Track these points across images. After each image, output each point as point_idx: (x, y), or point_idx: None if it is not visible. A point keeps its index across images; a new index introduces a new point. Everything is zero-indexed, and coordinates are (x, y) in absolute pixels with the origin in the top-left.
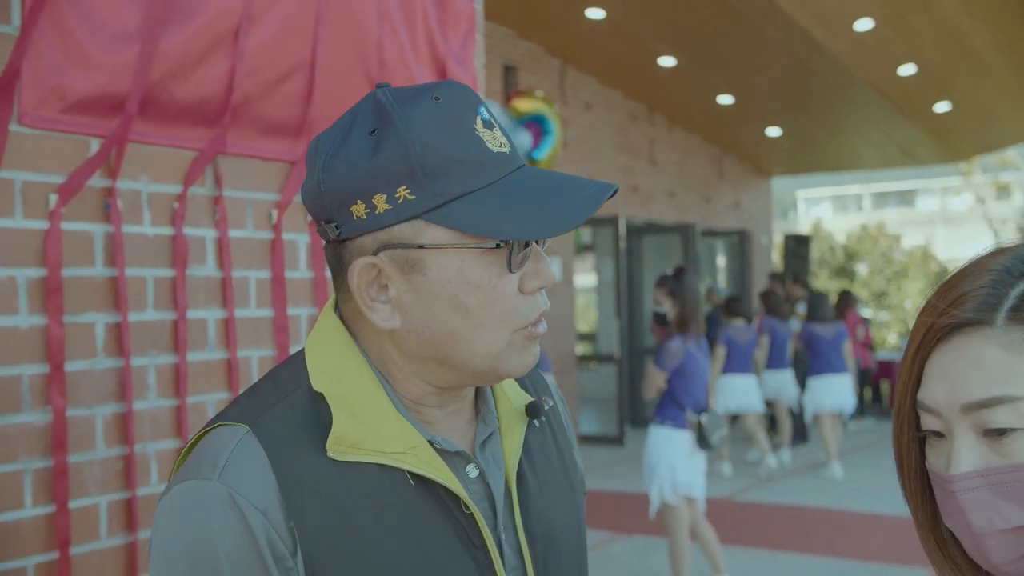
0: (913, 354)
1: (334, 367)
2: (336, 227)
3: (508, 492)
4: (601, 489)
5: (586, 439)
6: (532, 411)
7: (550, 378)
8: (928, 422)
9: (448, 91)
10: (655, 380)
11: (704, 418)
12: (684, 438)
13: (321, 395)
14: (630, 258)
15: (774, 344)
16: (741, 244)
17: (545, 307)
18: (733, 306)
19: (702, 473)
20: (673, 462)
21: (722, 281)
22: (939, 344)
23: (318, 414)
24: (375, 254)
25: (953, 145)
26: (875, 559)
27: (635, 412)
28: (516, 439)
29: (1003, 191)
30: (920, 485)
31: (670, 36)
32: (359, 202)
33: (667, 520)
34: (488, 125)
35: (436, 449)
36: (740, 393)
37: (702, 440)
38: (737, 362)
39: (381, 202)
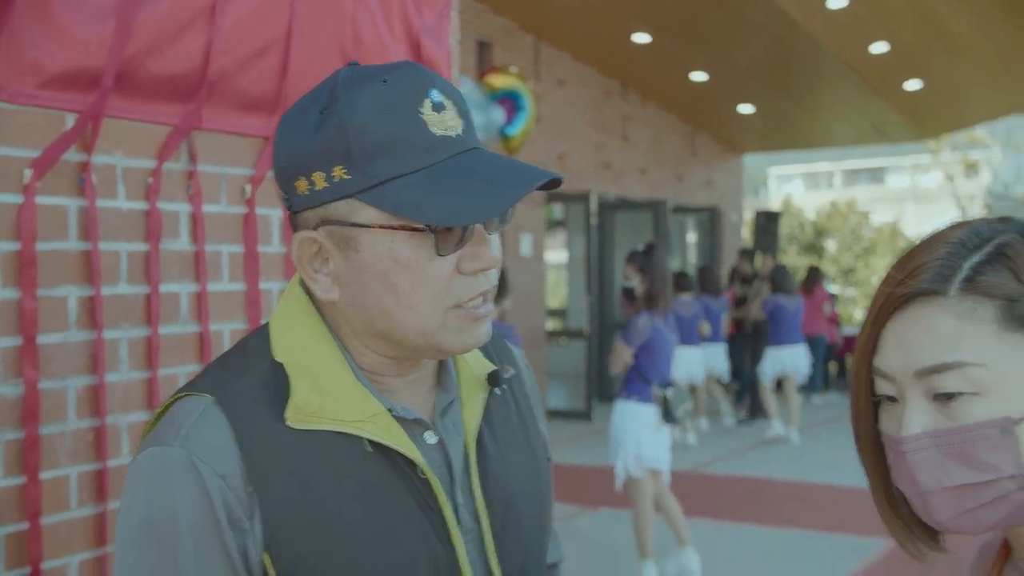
0: (871, 322)
1: (296, 337)
2: (287, 199)
3: (467, 458)
4: (568, 463)
5: (554, 414)
6: (493, 379)
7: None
8: (883, 387)
9: (399, 73)
10: (622, 355)
11: (670, 392)
12: (650, 412)
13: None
14: (601, 234)
15: (708, 320)
16: (712, 220)
17: (486, 288)
18: (679, 281)
19: (667, 447)
20: (639, 436)
21: (692, 257)
22: (896, 313)
23: (281, 384)
24: (315, 228)
25: (923, 123)
26: (836, 529)
27: (603, 387)
28: (476, 407)
29: (971, 169)
30: (875, 448)
31: (644, 13)
32: (301, 178)
33: (632, 493)
34: (438, 108)
35: (395, 417)
36: (686, 364)
37: (667, 414)
38: (683, 335)
39: (320, 180)
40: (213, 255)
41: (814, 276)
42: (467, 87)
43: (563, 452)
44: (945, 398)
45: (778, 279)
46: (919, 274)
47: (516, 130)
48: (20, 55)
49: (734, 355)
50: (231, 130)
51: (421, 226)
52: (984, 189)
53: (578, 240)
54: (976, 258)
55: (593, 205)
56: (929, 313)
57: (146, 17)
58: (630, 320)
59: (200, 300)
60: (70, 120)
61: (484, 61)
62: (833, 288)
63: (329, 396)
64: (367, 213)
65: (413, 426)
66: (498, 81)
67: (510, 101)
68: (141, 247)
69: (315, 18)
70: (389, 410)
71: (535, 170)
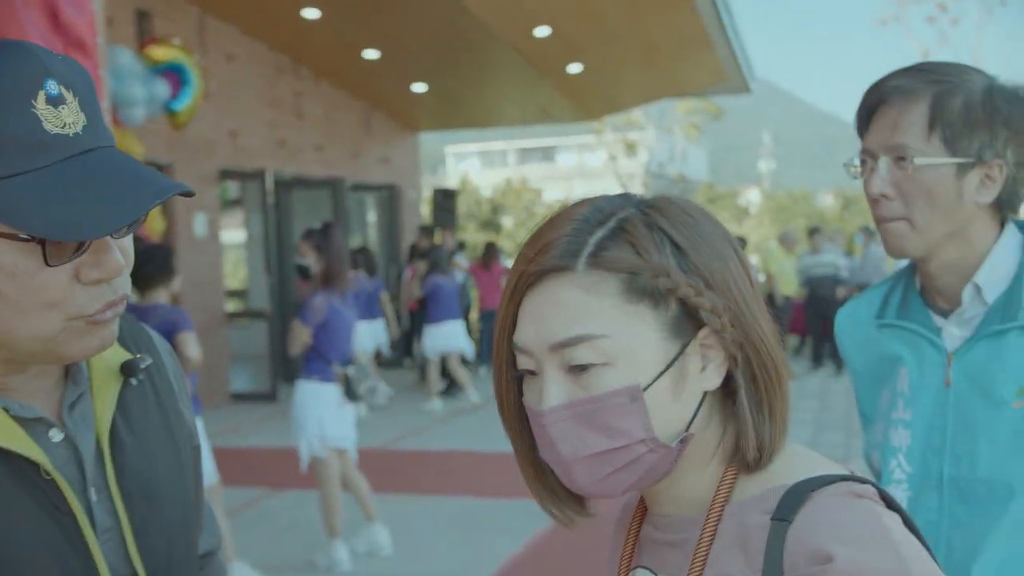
0: (508, 299)
1: None
2: None
3: (101, 454)
4: (253, 446)
5: (238, 396)
6: (128, 369)
7: (190, 336)
8: (523, 362)
9: (7, 57)
10: (300, 336)
11: (351, 370)
12: (331, 391)
13: None
14: (279, 212)
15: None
16: (391, 198)
17: (112, 298)
18: (354, 258)
19: (351, 424)
20: (321, 415)
21: (372, 235)
22: (530, 289)
23: None
24: None
25: (585, 105)
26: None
27: (288, 368)
28: (109, 399)
29: (631, 149)
30: (519, 421)
31: None
32: None
33: (318, 473)
34: (55, 101)
35: (12, 416)
36: (361, 338)
37: (350, 392)
38: (359, 310)
39: None
40: None
41: (491, 252)
42: (126, 58)
43: (248, 435)
44: (579, 370)
45: (434, 258)
46: (548, 251)
47: (182, 105)
48: None
49: (415, 331)
50: None
51: (24, 235)
52: (643, 168)
53: (256, 219)
54: (600, 234)
55: (269, 183)
56: (559, 288)
57: None
58: (306, 300)
59: None
60: None
61: (144, 32)
62: (510, 263)
63: None
64: None
65: (35, 425)
66: (160, 53)
67: (175, 75)
68: None
69: None
70: (5, 409)
71: (163, 180)
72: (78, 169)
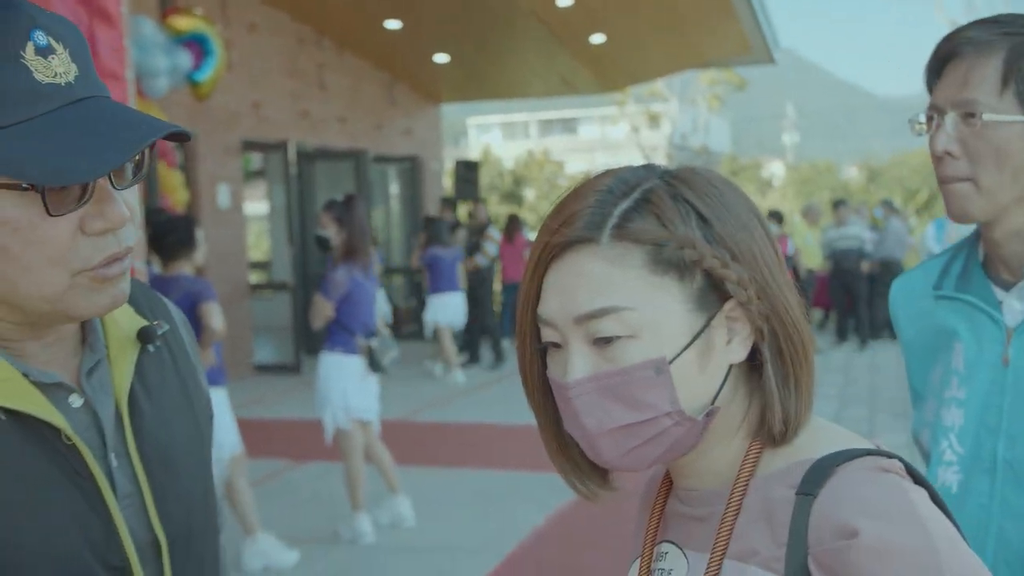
0: (532, 271)
1: None
2: None
3: (120, 419)
4: (277, 418)
5: (262, 368)
6: (145, 336)
7: (214, 306)
8: (548, 334)
9: None
10: (322, 310)
11: (375, 342)
12: (355, 363)
13: None
14: (301, 184)
15: None
16: (413, 170)
17: (117, 249)
18: None
19: (375, 396)
20: (345, 387)
21: (394, 207)
22: (554, 261)
23: None
24: None
25: (608, 76)
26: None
27: (311, 340)
28: (126, 365)
29: (654, 121)
30: (543, 394)
31: None
32: None
33: (341, 445)
34: (44, 52)
35: (32, 382)
36: None
37: (374, 363)
38: None
39: None
40: None
41: (514, 224)
42: (148, 29)
43: (272, 407)
44: (604, 342)
45: (433, 231)
46: (572, 222)
47: (205, 76)
48: None
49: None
50: None
51: (24, 184)
52: (665, 139)
53: (278, 190)
54: (624, 205)
55: (292, 155)
56: (583, 260)
57: None
58: (328, 274)
59: None
60: None
61: (166, 2)
62: (533, 236)
63: None
64: None
65: (55, 390)
66: (182, 23)
67: (197, 45)
68: None
69: None
70: (25, 375)
71: (156, 122)
72: (73, 117)
